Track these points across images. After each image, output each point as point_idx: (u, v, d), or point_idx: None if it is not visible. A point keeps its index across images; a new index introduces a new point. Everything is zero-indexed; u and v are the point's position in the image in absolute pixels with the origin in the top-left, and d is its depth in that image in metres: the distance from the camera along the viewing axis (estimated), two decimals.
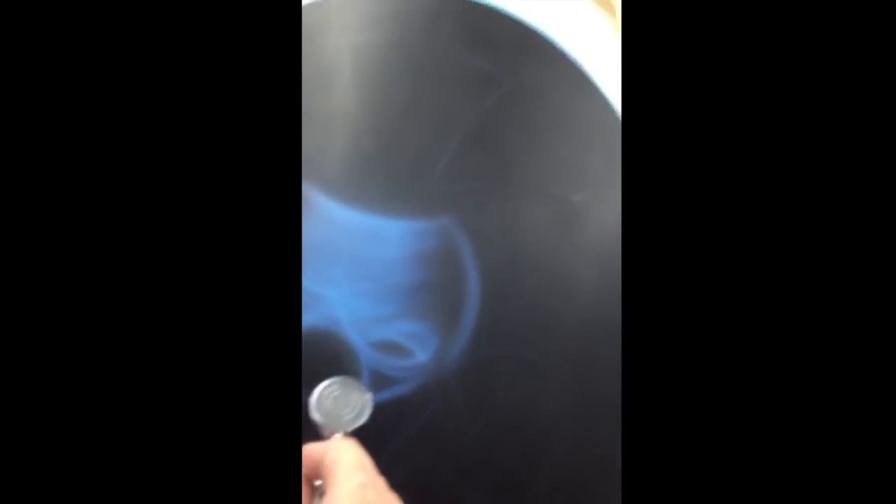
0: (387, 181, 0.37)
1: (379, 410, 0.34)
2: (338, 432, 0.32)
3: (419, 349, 0.36)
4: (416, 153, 0.37)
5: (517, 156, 0.37)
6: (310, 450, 0.30)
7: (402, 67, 0.38)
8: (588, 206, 0.37)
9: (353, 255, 0.37)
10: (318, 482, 0.30)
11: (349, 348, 0.37)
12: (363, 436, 0.32)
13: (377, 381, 0.36)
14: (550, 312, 0.36)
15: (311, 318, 0.37)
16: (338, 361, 0.37)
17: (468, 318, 0.36)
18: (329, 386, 0.33)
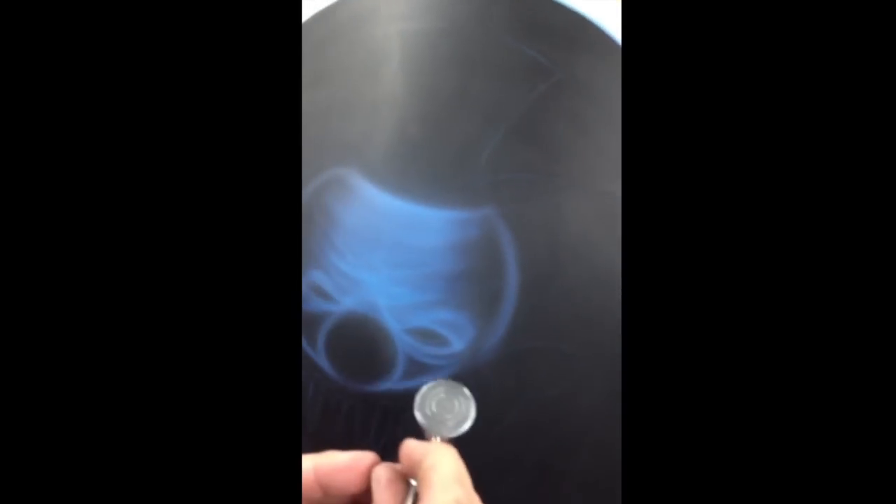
0: (430, 169, 0.37)
1: (412, 398, 0.34)
2: (437, 437, 0.32)
3: (455, 338, 0.36)
4: (462, 142, 0.37)
5: (564, 148, 0.37)
6: (410, 447, 0.31)
7: (450, 55, 0.38)
8: None
9: (394, 241, 0.37)
10: (413, 482, 0.30)
11: (386, 333, 0.37)
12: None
13: (412, 368, 0.37)
14: (590, 307, 0.36)
15: (349, 302, 0.38)
16: (373, 346, 0.37)
17: (506, 310, 0.36)
18: (435, 387, 0.34)
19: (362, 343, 0.37)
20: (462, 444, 0.34)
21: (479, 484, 0.32)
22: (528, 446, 0.36)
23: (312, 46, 0.41)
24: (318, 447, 0.34)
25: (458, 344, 0.36)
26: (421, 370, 0.36)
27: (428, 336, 0.36)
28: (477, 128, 0.37)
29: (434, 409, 0.33)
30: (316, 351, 0.38)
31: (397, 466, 0.31)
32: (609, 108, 0.36)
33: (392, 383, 0.37)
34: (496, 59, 0.37)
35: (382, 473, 0.30)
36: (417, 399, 0.33)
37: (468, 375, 0.36)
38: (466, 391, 0.33)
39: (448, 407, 0.33)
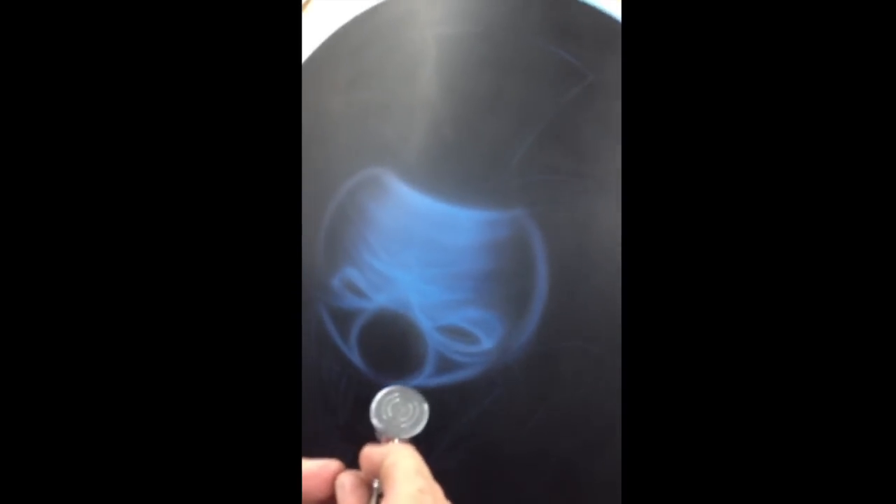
0: (463, 170, 0.38)
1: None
2: (394, 439, 0.34)
3: (485, 336, 0.37)
4: (494, 144, 0.37)
5: (595, 151, 0.37)
6: (370, 452, 0.32)
7: (485, 59, 0.39)
8: None
9: (427, 240, 0.38)
10: (375, 483, 0.31)
11: (417, 331, 0.38)
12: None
13: (442, 365, 0.37)
14: (618, 309, 0.36)
15: (381, 299, 0.38)
16: (405, 342, 0.38)
17: (535, 310, 0.36)
18: (389, 393, 0.36)
19: (394, 339, 0.38)
20: (489, 440, 0.35)
21: (502, 480, 0.33)
22: (555, 445, 0.37)
23: (350, 49, 0.43)
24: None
25: (487, 342, 0.37)
26: (451, 367, 0.37)
27: (458, 334, 0.37)
28: (509, 130, 0.37)
29: (390, 413, 0.35)
30: (349, 346, 0.39)
31: (360, 473, 0.32)
32: None
33: (423, 379, 0.38)
34: (529, 62, 0.38)
35: (346, 479, 0.32)
36: (373, 406, 0.35)
37: (497, 374, 0.37)
38: (419, 395, 0.35)
39: (402, 410, 0.35)
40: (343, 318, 0.40)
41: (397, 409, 0.35)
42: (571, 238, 0.36)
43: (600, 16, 0.38)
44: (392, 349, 0.38)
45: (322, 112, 0.42)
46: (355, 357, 0.39)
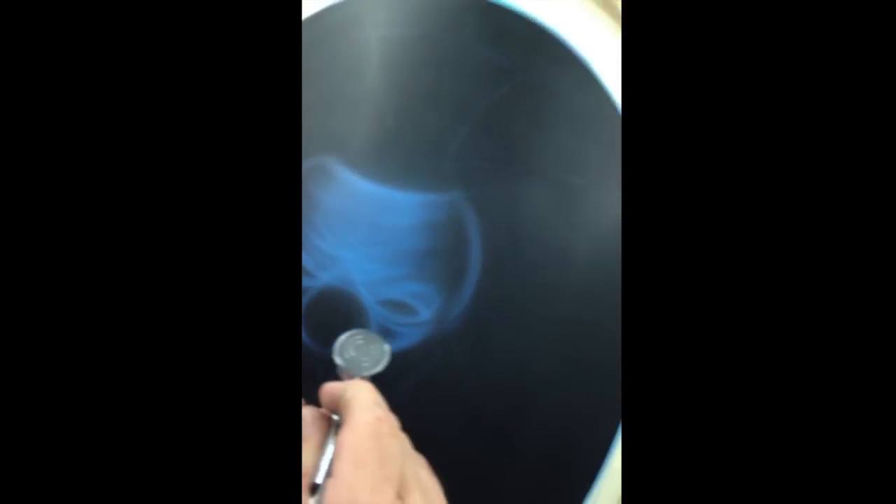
0: (405, 158, 0.41)
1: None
2: (355, 376, 0.35)
3: (423, 308, 0.40)
4: (433, 135, 0.41)
5: (523, 141, 0.41)
6: (329, 387, 0.34)
7: (425, 59, 0.42)
8: (586, 189, 0.41)
9: (371, 222, 0.41)
10: (335, 417, 0.32)
11: (361, 305, 0.40)
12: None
13: (384, 335, 0.40)
14: (546, 283, 0.40)
15: (327, 276, 0.41)
16: (349, 316, 0.40)
17: (470, 283, 0.40)
18: (353, 335, 0.37)
19: (338, 314, 0.41)
20: (427, 403, 0.37)
21: (442, 441, 0.36)
22: (487, 409, 0.40)
23: (302, 49, 0.46)
24: None
25: (425, 313, 0.40)
26: (392, 337, 0.40)
27: (398, 307, 0.40)
28: (447, 122, 0.41)
29: (352, 353, 0.36)
30: None
31: (321, 409, 0.34)
32: (561, 104, 0.41)
33: None
34: (465, 62, 0.42)
35: (307, 413, 0.33)
36: (337, 345, 0.36)
37: (434, 342, 0.40)
38: (381, 338, 0.37)
39: (365, 351, 0.36)
40: None
41: (360, 349, 0.36)
42: (502, 218, 0.40)
43: (529, 23, 0.42)
44: (337, 324, 0.41)
45: None
46: (302, 332, 0.42)
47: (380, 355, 0.36)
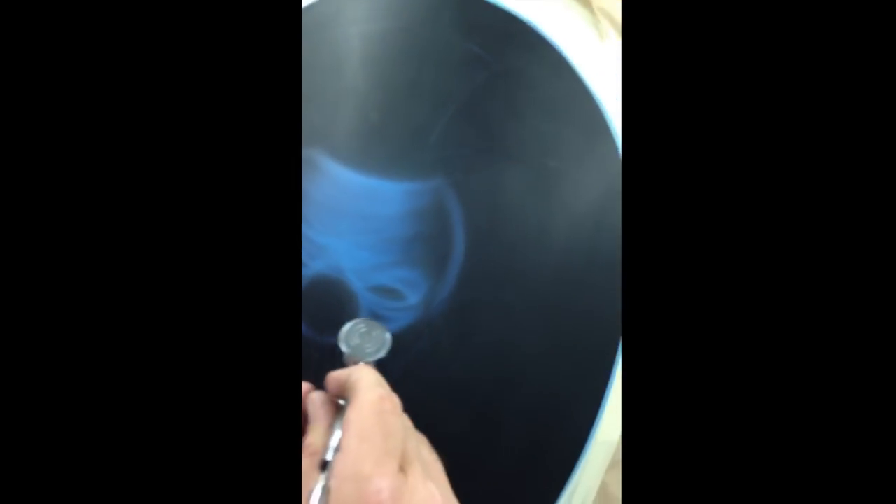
0: (388, 148, 0.43)
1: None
2: (359, 362, 0.37)
3: (411, 293, 0.41)
4: (414, 124, 0.43)
5: (501, 128, 0.42)
6: (335, 374, 0.35)
7: (405, 51, 0.44)
8: (561, 171, 0.42)
9: (357, 212, 0.42)
10: (342, 402, 0.34)
11: (350, 291, 0.42)
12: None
13: (374, 320, 0.42)
14: (527, 262, 0.41)
15: (317, 265, 0.43)
16: (340, 303, 0.42)
17: (454, 266, 0.41)
18: (357, 324, 0.39)
19: (330, 301, 0.42)
20: (417, 385, 0.39)
21: (433, 417, 0.37)
22: (475, 384, 0.42)
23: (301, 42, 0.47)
24: None
25: (413, 298, 0.41)
26: (382, 322, 0.42)
27: (387, 292, 0.42)
28: (427, 112, 0.42)
29: (357, 340, 0.38)
30: None
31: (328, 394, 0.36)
32: (537, 91, 0.42)
33: None
34: (443, 53, 0.43)
35: (316, 396, 0.35)
36: (342, 334, 0.38)
37: (422, 325, 0.41)
38: (382, 326, 0.39)
39: (368, 338, 0.38)
40: None
41: (363, 336, 0.38)
42: (483, 203, 0.41)
43: (504, 14, 0.44)
44: (329, 310, 0.42)
45: None
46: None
47: (382, 342, 0.38)
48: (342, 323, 0.42)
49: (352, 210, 0.42)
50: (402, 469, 0.30)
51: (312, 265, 0.43)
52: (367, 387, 0.32)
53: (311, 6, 0.47)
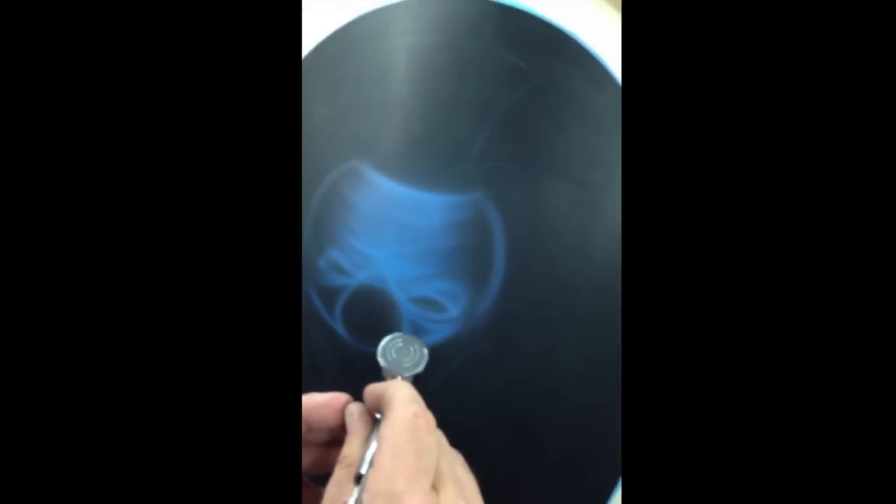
0: (430, 161, 0.43)
1: None
2: (397, 377, 0.38)
3: (452, 305, 0.42)
4: (457, 137, 0.43)
5: (543, 141, 0.42)
6: (372, 387, 0.36)
7: (448, 64, 0.44)
8: (603, 186, 0.42)
9: (399, 222, 0.43)
10: (378, 415, 0.35)
11: (393, 302, 0.43)
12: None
13: (415, 332, 0.42)
14: (567, 277, 0.41)
15: (362, 276, 0.44)
16: (383, 313, 0.43)
17: (495, 279, 0.42)
18: (395, 338, 0.39)
19: (373, 311, 0.43)
20: (456, 397, 0.39)
21: (469, 432, 0.38)
22: (513, 398, 0.42)
23: (332, 58, 0.48)
24: None
25: (453, 310, 0.42)
26: (422, 333, 0.42)
27: (428, 304, 0.42)
28: (469, 125, 0.43)
29: (394, 355, 0.38)
30: (334, 319, 0.45)
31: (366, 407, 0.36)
32: (579, 104, 0.42)
33: None
34: (486, 65, 0.43)
35: (355, 408, 0.35)
36: (380, 348, 0.39)
37: (463, 337, 0.42)
38: (420, 340, 0.39)
39: (405, 353, 0.38)
40: (328, 294, 0.45)
41: (400, 351, 0.38)
42: (524, 216, 0.42)
43: (546, 26, 0.44)
44: (371, 320, 0.43)
45: (308, 113, 0.47)
46: (340, 328, 0.45)
47: (419, 357, 0.38)
48: (384, 333, 0.43)
49: (394, 221, 0.43)
50: (435, 487, 0.30)
51: (357, 275, 0.44)
52: (401, 403, 0.33)
53: (360, 19, 0.48)
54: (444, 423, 0.35)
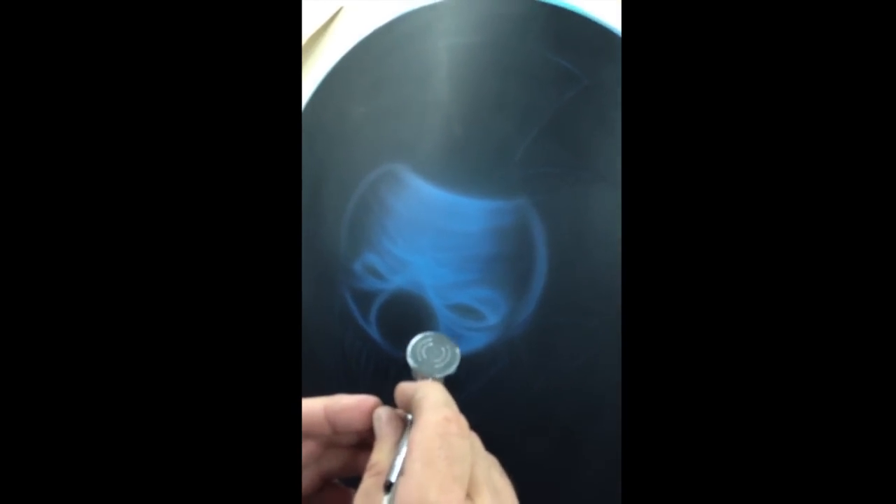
0: (471, 165, 0.42)
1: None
2: (428, 377, 0.37)
3: (491, 313, 0.41)
4: (499, 141, 0.42)
5: (590, 146, 0.41)
6: (403, 387, 0.35)
7: (491, 65, 0.43)
8: None
9: (439, 228, 0.42)
10: (409, 417, 0.34)
11: (430, 309, 0.42)
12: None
13: (443, 335, 0.41)
14: (610, 287, 0.40)
15: (398, 280, 0.43)
16: (418, 320, 0.42)
17: (536, 288, 0.40)
18: (425, 338, 0.39)
19: (409, 317, 0.42)
20: (495, 406, 0.38)
21: (510, 440, 0.37)
22: (554, 411, 0.41)
23: (373, 58, 0.47)
24: None
25: (492, 318, 0.41)
26: (459, 341, 0.41)
27: (466, 311, 0.41)
28: (513, 128, 0.41)
29: (424, 355, 0.37)
30: (369, 323, 0.44)
31: (396, 409, 0.35)
32: None
33: None
34: (530, 67, 0.42)
35: (383, 412, 0.35)
36: (409, 348, 0.38)
37: (502, 346, 0.41)
38: (451, 341, 0.38)
39: (436, 353, 0.37)
40: (364, 298, 0.44)
41: (431, 351, 0.37)
42: (568, 224, 0.40)
43: (595, 26, 0.42)
44: (407, 326, 0.43)
45: (347, 113, 0.46)
46: (374, 333, 0.44)
47: (451, 358, 0.37)
48: None
49: (433, 226, 0.42)
50: (470, 496, 0.29)
51: (394, 279, 0.43)
52: (432, 406, 0.32)
53: (401, 18, 0.47)
54: (481, 432, 0.34)
